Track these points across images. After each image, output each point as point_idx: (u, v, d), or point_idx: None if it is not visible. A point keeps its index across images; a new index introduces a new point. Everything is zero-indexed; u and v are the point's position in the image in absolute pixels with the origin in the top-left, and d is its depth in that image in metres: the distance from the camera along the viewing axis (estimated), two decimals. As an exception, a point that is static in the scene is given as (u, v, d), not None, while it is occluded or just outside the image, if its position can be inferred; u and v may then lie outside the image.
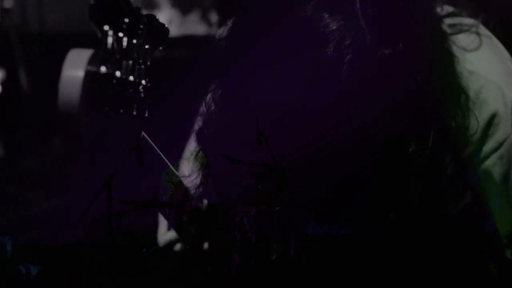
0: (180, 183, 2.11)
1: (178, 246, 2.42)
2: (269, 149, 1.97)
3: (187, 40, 2.66)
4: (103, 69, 1.66)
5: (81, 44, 2.05)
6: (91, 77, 1.61)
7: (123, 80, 1.71)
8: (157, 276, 2.32)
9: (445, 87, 2.01)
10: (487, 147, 2.06)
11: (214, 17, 2.81)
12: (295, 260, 2.05)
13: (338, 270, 2.10)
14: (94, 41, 2.14)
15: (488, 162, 2.07)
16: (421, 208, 2.04)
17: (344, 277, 2.09)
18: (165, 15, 2.75)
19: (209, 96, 2.08)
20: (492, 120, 2.05)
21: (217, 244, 2.13)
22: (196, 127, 2.14)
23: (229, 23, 2.05)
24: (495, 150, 2.07)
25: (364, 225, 2.05)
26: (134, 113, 1.77)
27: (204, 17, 2.79)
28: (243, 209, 2.10)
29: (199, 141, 2.14)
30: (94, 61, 1.64)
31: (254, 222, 2.09)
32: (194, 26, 2.79)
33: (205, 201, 2.27)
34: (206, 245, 2.22)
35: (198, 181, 2.15)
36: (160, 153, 1.99)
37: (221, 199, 2.15)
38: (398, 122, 1.94)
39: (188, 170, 2.17)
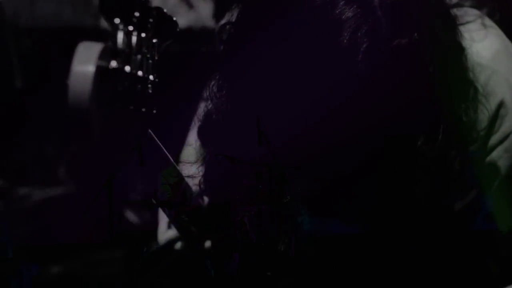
0: (179, 182, 2.06)
1: (178, 245, 2.38)
2: (271, 149, 1.93)
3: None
4: (113, 63, 1.61)
5: (75, 38, 2.01)
6: (101, 72, 1.57)
7: (132, 75, 1.67)
8: (157, 276, 2.29)
9: (455, 79, 1.98)
10: (493, 140, 2.04)
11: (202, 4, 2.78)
12: (296, 260, 2.03)
13: (339, 270, 2.08)
14: (87, 35, 2.10)
15: (494, 155, 2.05)
16: (428, 203, 2.02)
17: (345, 277, 2.07)
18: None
19: (213, 82, 2.03)
20: (498, 112, 2.03)
21: (217, 244, 2.10)
22: (202, 112, 2.08)
23: (237, 9, 1.99)
24: (501, 142, 2.04)
25: (370, 221, 2.02)
26: (143, 109, 1.73)
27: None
28: (243, 208, 2.07)
29: (207, 126, 2.08)
30: (104, 55, 1.60)
31: (255, 221, 2.05)
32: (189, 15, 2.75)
33: (206, 198, 2.24)
34: (208, 243, 2.19)
35: (203, 169, 2.10)
36: (166, 152, 1.94)
37: (222, 199, 2.11)
38: (410, 114, 1.91)
39: (193, 158, 2.11)
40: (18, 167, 2.71)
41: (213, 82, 2.02)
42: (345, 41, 1.84)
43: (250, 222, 2.06)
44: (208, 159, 2.07)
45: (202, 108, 2.07)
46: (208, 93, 2.03)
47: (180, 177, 2.07)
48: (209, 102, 2.04)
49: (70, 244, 2.45)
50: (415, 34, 1.87)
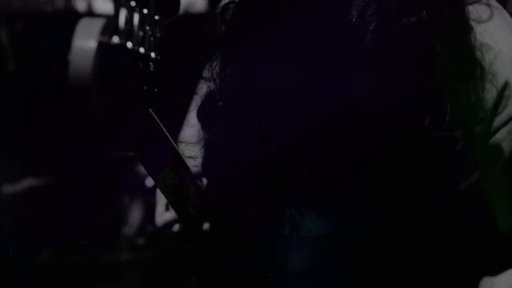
0: (180, 182, 2.02)
1: (176, 227, 2.36)
2: (271, 149, 1.90)
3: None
4: (115, 39, 1.57)
5: (66, 22, 1.97)
6: (103, 48, 1.53)
7: (134, 51, 1.63)
8: (158, 275, 2.28)
9: (462, 59, 1.96)
10: (497, 121, 2.02)
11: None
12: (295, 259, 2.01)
13: (340, 270, 2.05)
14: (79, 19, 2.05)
15: (498, 136, 2.02)
16: (434, 184, 1.99)
17: (346, 278, 2.05)
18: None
19: (215, 63, 2.00)
20: (503, 92, 2.00)
21: (218, 245, 2.08)
22: (203, 93, 2.05)
23: None
24: (505, 123, 2.02)
25: (375, 215, 1.98)
26: (145, 87, 1.69)
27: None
28: (244, 209, 2.04)
29: (208, 107, 2.05)
30: (106, 31, 1.55)
31: (256, 222, 2.03)
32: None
33: (205, 180, 2.21)
34: (206, 226, 2.17)
35: (203, 151, 2.06)
36: (165, 132, 1.90)
37: (222, 200, 2.08)
38: (417, 93, 1.88)
39: (194, 138, 2.08)
40: (15, 162, 2.69)
41: (215, 63, 2.00)
42: (353, 19, 1.82)
43: (251, 223, 2.04)
44: (209, 139, 2.05)
45: (204, 88, 2.04)
46: (210, 74, 2.00)
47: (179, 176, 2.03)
48: (211, 83, 2.01)
49: (71, 244, 2.44)
50: (424, 13, 1.85)
